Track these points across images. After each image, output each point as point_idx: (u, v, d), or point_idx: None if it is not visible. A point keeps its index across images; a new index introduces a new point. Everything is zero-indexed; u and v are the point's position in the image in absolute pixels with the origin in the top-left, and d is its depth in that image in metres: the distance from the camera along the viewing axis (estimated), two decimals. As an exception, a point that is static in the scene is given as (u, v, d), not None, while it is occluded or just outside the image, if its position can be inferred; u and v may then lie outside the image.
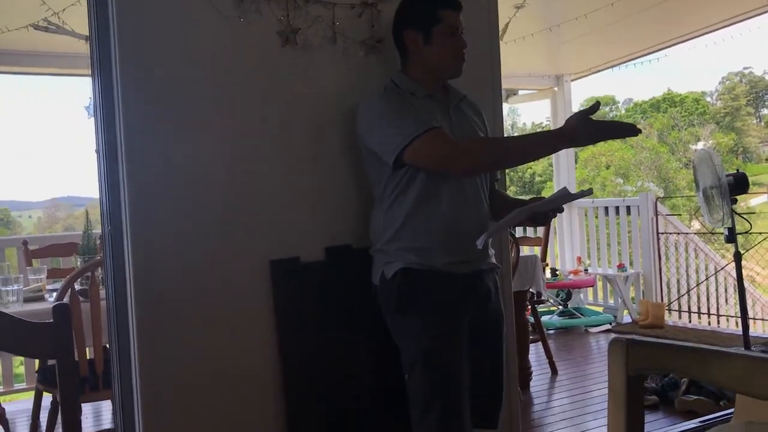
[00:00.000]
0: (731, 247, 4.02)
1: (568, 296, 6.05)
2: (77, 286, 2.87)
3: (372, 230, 2.12)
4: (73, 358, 1.28)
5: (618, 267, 6.19)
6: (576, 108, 7.49)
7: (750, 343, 3.90)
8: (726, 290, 6.24)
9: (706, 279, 6.14)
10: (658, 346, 0.95)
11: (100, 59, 1.98)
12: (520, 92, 7.38)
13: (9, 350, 1.27)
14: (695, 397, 3.59)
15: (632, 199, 6.51)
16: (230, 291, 2.04)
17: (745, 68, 29.78)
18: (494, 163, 2.10)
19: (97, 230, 3.61)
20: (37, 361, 3.87)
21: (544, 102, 7.24)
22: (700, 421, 3.20)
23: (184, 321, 1.97)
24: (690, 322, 6.11)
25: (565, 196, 2.02)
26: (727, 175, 3.94)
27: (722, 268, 6.14)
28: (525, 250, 5.10)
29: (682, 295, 6.18)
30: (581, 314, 5.93)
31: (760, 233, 5.91)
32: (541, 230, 5.11)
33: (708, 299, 6.17)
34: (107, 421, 3.89)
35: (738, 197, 3.99)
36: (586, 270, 6.40)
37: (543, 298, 4.96)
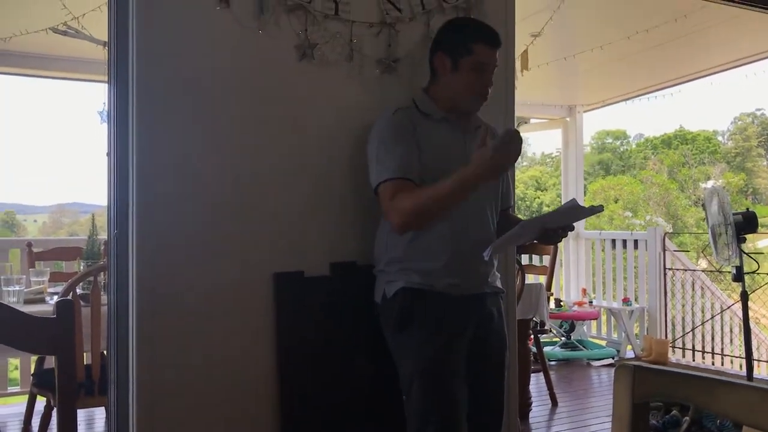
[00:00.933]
0: (738, 286, 3.99)
1: (572, 328, 6.00)
2: (79, 290, 2.86)
3: (376, 250, 2.12)
4: (73, 356, 1.26)
5: (623, 301, 6.14)
6: (587, 139, 7.49)
7: (754, 384, 3.85)
8: (731, 330, 6.18)
9: (712, 318, 6.08)
10: (665, 373, 0.93)
11: (117, 65, 1.99)
12: (532, 121, 7.40)
13: (9, 343, 1.24)
14: (697, 437, 3.53)
15: (640, 233, 6.48)
16: (233, 302, 2.03)
17: (757, 110, 29.77)
18: (420, 216, 1.96)
19: (103, 236, 3.61)
20: (32, 365, 3.85)
21: (555, 132, 7.24)
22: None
23: (184, 329, 1.96)
24: (694, 360, 6.04)
25: (573, 210, 1.99)
26: (735, 214, 3.92)
27: (728, 307, 6.08)
28: (530, 278, 5.06)
29: (687, 333, 6.12)
30: (584, 347, 5.88)
31: (768, 274, 5.86)
32: (546, 259, 5.09)
33: (713, 338, 6.11)
34: (100, 429, 3.86)
35: (747, 237, 3.96)
36: (590, 302, 6.35)
37: (546, 328, 4.92)
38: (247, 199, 2.06)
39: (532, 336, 4.41)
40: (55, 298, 3.01)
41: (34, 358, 3.76)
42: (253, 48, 2.07)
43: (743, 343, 4.05)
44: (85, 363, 2.88)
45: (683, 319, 6.19)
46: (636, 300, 6.24)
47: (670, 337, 6.06)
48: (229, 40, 2.04)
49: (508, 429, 2.34)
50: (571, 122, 6.96)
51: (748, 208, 4.15)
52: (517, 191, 2.53)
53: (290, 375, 2.07)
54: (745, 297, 3.87)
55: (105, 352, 2.75)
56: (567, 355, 5.74)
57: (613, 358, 5.75)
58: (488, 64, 2.05)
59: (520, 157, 1.96)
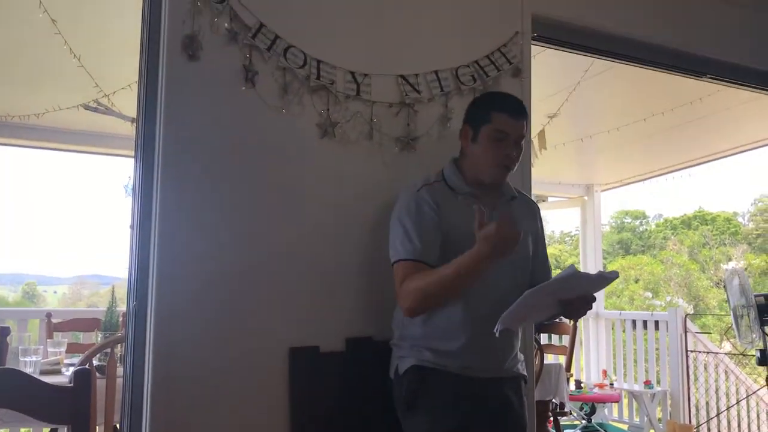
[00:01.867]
0: (763, 370, 3.90)
1: (592, 410, 5.84)
2: (95, 362, 2.86)
3: (393, 323, 2.09)
4: (88, 427, 1.26)
5: (645, 383, 5.99)
6: (606, 219, 7.49)
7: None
8: (758, 416, 5.98)
9: (738, 403, 5.90)
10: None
11: (144, 141, 2.06)
12: (550, 199, 7.42)
13: (24, 411, 1.25)
14: None
15: (661, 313, 6.37)
16: (248, 376, 2.02)
17: (778, 191, 29.65)
18: (424, 301, 1.91)
19: (122, 308, 3.63)
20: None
21: (573, 210, 7.26)
22: None
23: (198, 403, 1.95)
24: (720, 447, 5.83)
25: (578, 278, 1.87)
26: (757, 295, 3.87)
27: (754, 392, 5.91)
28: (549, 358, 4.98)
29: (712, 418, 5.93)
30: (605, 431, 5.70)
31: (794, 358, 5.70)
32: (566, 338, 5.01)
33: (739, 425, 5.91)
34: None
35: (769, 319, 3.89)
36: (611, 384, 6.20)
37: (566, 410, 4.80)
38: (265, 274, 2.08)
39: (551, 418, 4.30)
40: (71, 369, 3.01)
41: (46, 430, 3.72)
42: (276, 126, 2.14)
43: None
44: (97, 436, 2.85)
45: (707, 403, 6.01)
46: (658, 383, 6.09)
47: (694, 422, 5.87)
48: (253, 119, 2.11)
49: None
50: (589, 201, 6.98)
51: (770, 290, 4.08)
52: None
53: (303, 452, 2.03)
54: (770, 381, 3.77)
55: (117, 425, 2.73)
56: (588, 439, 5.57)
57: (635, 444, 5.57)
58: (508, 133, 1.99)
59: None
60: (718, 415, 5.90)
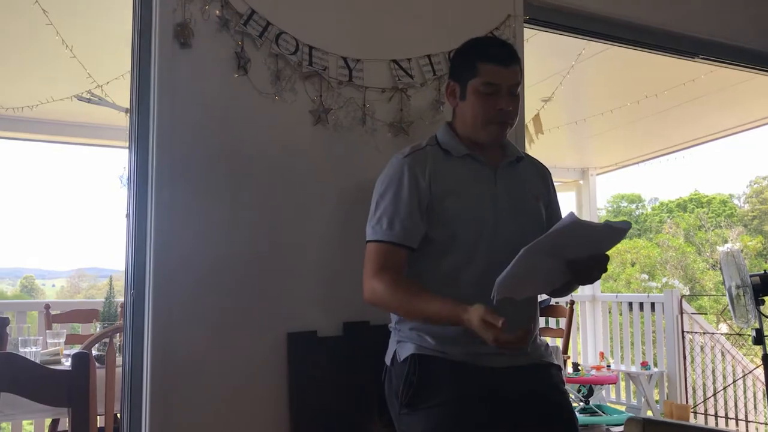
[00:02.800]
0: (759, 350, 3.92)
1: (590, 392, 5.88)
2: (94, 352, 2.87)
3: None
4: (88, 409, 1.27)
5: (642, 365, 6.04)
6: (603, 203, 7.50)
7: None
8: (755, 395, 6.03)
9: (734, 382, 5.94)
10: (674, 426, 0.93)
11: (138, 131, 2.06)
12: (546, 184, 7.43)
13: (25, 395, 1.26)
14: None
15: (657, 295, 6.42)
16: (246, 361, 2.04)
17: (773, 172, 29.70)
18: (388, 309, 1.82)
19: (120, 299, 3.65)
20: (46, 430, 3.83)
21: (569, 194, 7.28)
22: None
23: (197, 389, 1.96)
24: (717, 425, 5.88)
25: (580, 229, 1.57)
26: (752, 275, 3.89)
27: (750, 372, 5.96)
28: (546, 341, 5.01)
29: (708, 398, 5.98)
30: (603, 412, 5.74)
31: (790, 337, 5.74)
32: (563, 321, 5.04)
33: (736, 404, 5.96)
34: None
35: (766, 298, 3.91)
36: (608, 366, 6.24)
37: (563, 392, 4.83)
38: (262, 260, 2.09)
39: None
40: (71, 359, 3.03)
41: (47, 421, 3.74)
42: (269, 113, 2.14)
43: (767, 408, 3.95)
44: (99, 425, 2.87)
45: (704, 383, 6.05)
46: (655, 364, 6.13)
47: (691, 402, 5.92)
48: (246, 106, 2.11)
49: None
50: (584, 185, 7.00)
51: (765, 270, 4.11)
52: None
53: (303, 436, 2.05)
54: (766, 360, 3.80)
55: (118, 414, 2.75)
56: (586, 421, 5.61)
57: (633, 424, 5.61)
58: (499, 83, 1.74)
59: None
60: (714, 394, 5.95)
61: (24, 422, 4.33)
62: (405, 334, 1.79)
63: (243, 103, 2.11)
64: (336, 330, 2.16)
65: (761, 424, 5.89)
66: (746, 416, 5.91)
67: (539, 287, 1.79)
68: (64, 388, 1.25)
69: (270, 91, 2.15)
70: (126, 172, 2.26)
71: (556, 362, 1.82)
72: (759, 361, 4.24)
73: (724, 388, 5.95)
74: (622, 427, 5.74)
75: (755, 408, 6.01)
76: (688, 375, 5.98)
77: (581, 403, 5.84)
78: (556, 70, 4.42)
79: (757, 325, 3.85)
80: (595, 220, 7.04)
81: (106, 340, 2.88)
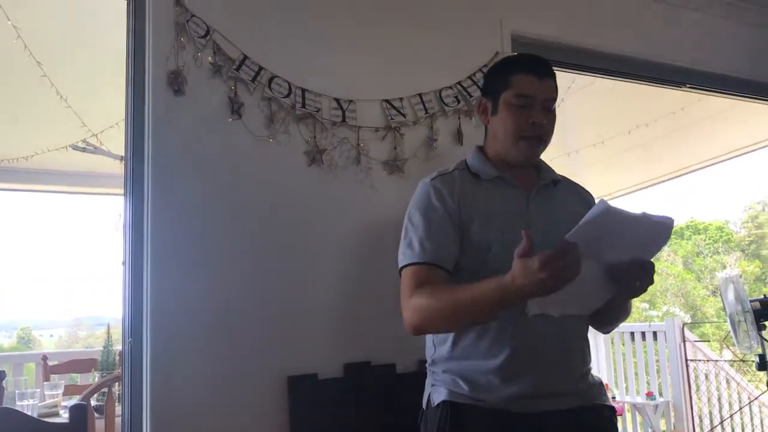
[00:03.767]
0: (764, 375, 3.89)
1: (596, 425, 5.80)
2: (93, 402, 2.84)
3: (426, 340, 1.75)
4: (85, 462, 1.25)
5: (647, 395, 5.97)
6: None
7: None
8: (762, 422, 5.96)
9: (740, 409, 5.88)
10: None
11: (133, 178, 2.07)
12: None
13: (23, 450, 1.24)
14: None
15: (659, 324, 6.38)
16: (247, 408, 2.01)
17: (768, 197, 29.84)
18: (433, 322, 1.55)
19: (118, 347, 3.61)
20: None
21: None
22: None
23: (198, 437, 1.93)
24: (726, 456, 5.80)
25: (611, 218, 1.32)
26: (752, 301, 3.88)
27: (756, 398, 5.90)
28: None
29: (715, 427, 5.91)
30: (610, 445, 5.66)
31: (794, 362, 5.69)
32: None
33: (743, 431, 5.89)
34: None
35: (767, 323, 3.90)
36: (613, 398, 6.18)
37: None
38: (259, 304, 2.08)
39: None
40: (69, 411, 2.99)
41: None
42: (264, 155, 2.15)
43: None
44: (97, 478, 2.82)
45: (710, 412, 5.99)
46: (660, 394, 6.07)
47: (698, 431, 5.84)
48: (241, 150, 2.12)
49: None
50: (580, 216, 7.00)
51: (765, 295, 4.10)
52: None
53: (306, 482, 2.01)
54: (771, 386, 3.76)
55: (118, 465, 2.70)
56: (593, 455, 5.53)
57: (641, 457, 5.53)
58: (533, 95, 1.62)
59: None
60: (721, 423, 5.88)
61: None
62: (438, 377, 1.64)
63: (238, 146, 2.12)
64: (337, 372, 2.14)
65: (770, 451, 5.81)
66: (755, 444, 5.84)
67: (580, 303, 1.51)
68: (62, 442, 1.23)
69: (264, 134, 2.16)
70: (121, 218, 2.26)
71: (609, 404, 1.62)
72: (764, 387, 4.20)
73: (731, 416, 5.88)
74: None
75: (763, 435, 5.94)
76: (693, 404, 5.92)
77: (588, 437, 5.75)
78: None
79: (760, 351, 3.82)
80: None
81: (105, 389, 2.85)
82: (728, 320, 3.97)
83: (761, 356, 3.83)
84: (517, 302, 1.38)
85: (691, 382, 5.91)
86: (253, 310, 2.07)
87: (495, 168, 1.69)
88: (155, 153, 2.01)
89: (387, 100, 2.36)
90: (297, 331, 2.11)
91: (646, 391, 6.02)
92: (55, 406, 3.23)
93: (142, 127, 2.06)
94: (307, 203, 2.19)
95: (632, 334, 6.44)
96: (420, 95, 2.42)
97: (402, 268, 1.61)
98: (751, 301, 3.87)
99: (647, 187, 6.77)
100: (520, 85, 1.63)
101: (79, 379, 4.45)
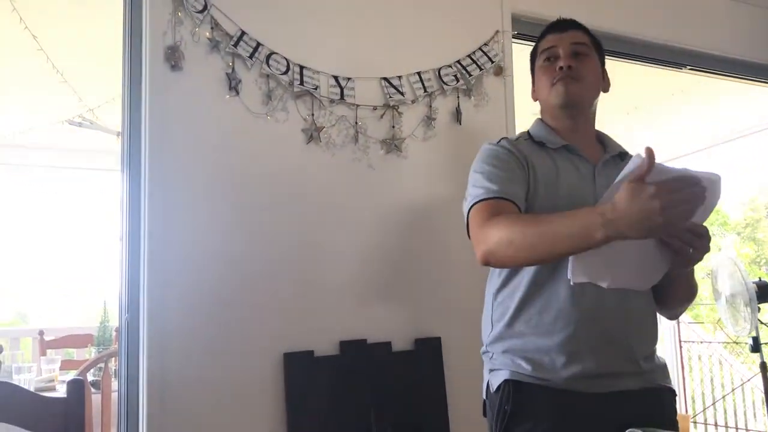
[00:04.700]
0: (757, 357, 3.91)
1: (589, 405, 5.85)
2: (90, 377, 2.85)
3: (482, 321, 1.65)
4: (82, 436, 1.26)
5: (640, 376, 6.01)
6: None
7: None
8: (754, 404, 6.01)
9: (732, 391, 5.93)
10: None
11: (130, 154, 2.06)
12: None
13: (18, 423, 1.25)
14: None
15: (653, 306, 6.40)
16: (242, 383, 2.02)
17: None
18: (510, 247, 1.36)
19: (114, 323, 3.62)
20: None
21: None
22: None
23: (194, 413, 1.94)
24: (717, 436, 5.86)
25: (653, 171, 1.15)
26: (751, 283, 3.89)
27: (748, 380, 5.95)
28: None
29: (708, 408, 5.97)
30: (603, 425, 5.71)
31: (787, 344, 5.74)
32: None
33: (735, 413, 5.95)
34: None
35: (761, 306, 3.91)
36: (607, 378, 6.22)
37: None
38: (256, 280, 2.08)
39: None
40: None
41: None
42: (262, 133, 2.14)
43: (767, 416, 3.94)
44: (94, 452, 2.84)
45: (703, 393, 6.04)
46: (653, 375, 6.11)
47: (690, 412, 5.90)
48: (238, 127, 2.11)
49: None
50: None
51: (760, 278, 4.12)
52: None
53: (302, 458, 2.03)
54: (764, 368, 3.79)
55: (115, 439, 2.72)
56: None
57: (633, 436, 5.57)
58: (556, 46, 1.63)
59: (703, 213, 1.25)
60: (714, 404, 5.94)
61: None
62: (498, 360, 1.54)
63: (235, 123, 2.11)
64: (333, 349, 2.14)
65: (761, 432, 5.87)
66: (746, 425, 5.90)
67: (633, 276, 1.40)
68: (59, 416, 1.23)
69: (262, 111, 2.15)
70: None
71: (671, 386, 1.54)
72: (757, 369, 4.23)
73: (723, 397, 5.94)
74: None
75: (755, 416, 5.99)
76: (687, 385, 5.97)
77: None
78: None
79: (754, 333, 3.84)
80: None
81: (102, 365, 2.86)
82: (722, 302, 3.98)
83: (755, 338, 3.86)
84: (605, 237, 1.20)
85: (685, 363, 5.96)
86: (250, 287, 2.07)
87: (560, 137, 1.62)
88: (152, 129, 2.00)
89: (386, 78, 2.35)
90: (293, 309, 2.11)
91: (640, 372, 6.06)
92: (52, 380, 3.25)
93: (139, 102, 2.04)
94: (304, 181, 2.19)
95: (627, 315, 6.47)
96: (419, 74, 2.40)
97: (470, 210, 1.49)
98: (751, 283, 3.89)
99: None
100: (544, 43, 1.67)
101: (76, 354, 4.47)
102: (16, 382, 2.92)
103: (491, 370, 1.56)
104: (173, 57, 2.04)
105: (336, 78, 2.26)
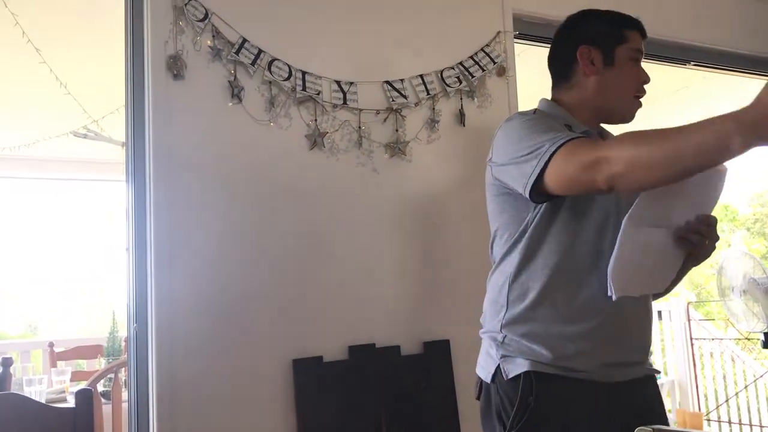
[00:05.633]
0: (769, 353, 3.89)
1: (601, 405, 5.82)
2: (100, 388, 2.85)
3: (488, 301, 1.57)
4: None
5: (652, 374, 5.98)
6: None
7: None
8: (767, 400, 5.97)
9: (745, 387, 5.89)
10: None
11: (134, 163, 2.06)
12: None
13: (28, 435, 1.25)
14: None
15: (664, 303, 6.38)
16: (252, 391, 2.02)
17: (772, 174, 29.67)
18: (639, 167, 1.21)
19: (123, 333, 3.63)
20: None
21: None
22: None
23: (204, 420, 1.94)
24: (731, 433, 5.82)
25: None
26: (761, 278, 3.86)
27: (761, 376, 5.91)
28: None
29: (721, 405, 5.93)
30: (615, 424, 5.68)
31: (799, 340, 5.69)
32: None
33: (749, 409, 5.90)
34: None
35: (772, 301, 3.88)
36: (618, 377, 6.19)
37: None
38: (263, 287, 2.08)
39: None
40: (76, 396, 3.01)
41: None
42: (265, 140, 2.14)
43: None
44: (106, 463, 2.84)
45: (716, 390, 6.00)
46: (665, 373, 6.09)
47: (703, 409, 5.86)
48: (242, 134, 2.11)
49: None
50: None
51: (770, 273, 4.08)
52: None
53: (313, 464, 2.02)
54: (776, 364, 3.76)
55: (126, 450, 2.72)
56: (599, 434, 5.55)
57: (647, 435, 5.54)
58: (643, 54, 1.59)
59: None
60: (727, 401, 5.90)
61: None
62: (514, 346, 1.46)
63: (239, 131, 2.11)
64: (342, 354, 2.14)
65: (776, 428, 5.82)
66: (760, 421, 5.86)
67: (656, 277, 1.45)
68: (68, 425, 1.24)
69: (265, 118, 2.15)
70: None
71: (655, 369, 1.60)
72: (769, 365, 4.20)
73: (736, 394, 5.90)
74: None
75: (768, 413, 5.95)
76: (699, 382, 5.94)
77: (593, 416, 5.77)
78: (547, 86, 4.43)
79: (766, 329, 3.82)
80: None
81: (112, 375, 2.86)
82: (733, 296, 3.95)
83: (767, 334, 3.83)
84: (743, 145, 1.09)
85: (697, 360, 5.93)
86: (257, 294, 2.07)
87: (580, 122, 1.56)
88: (156, 138, 2.00)
89: (388, 82, 2.35)
90: (301, 314, 2.11)
91: (652, 370, 6.03)
92: (63, 391, 3.25)
93: (143, 112, 2.05)
94: (309, 187, 2.19)
95: (637, 313, 6.44)
96: (421, 76, 2.40)
97: (554, 153, 1.31)
98: (760, 278, 3.86)
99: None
100: (635, 40, 1.57)
101: (86, 365, 4.48)
102: (27, 394, 2.94)
103: (504, 356, 1.46)
104: (175, 66, 2.04)
105: (338, 83, 2.26)
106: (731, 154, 1.12)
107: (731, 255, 4.16)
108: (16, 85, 4.12)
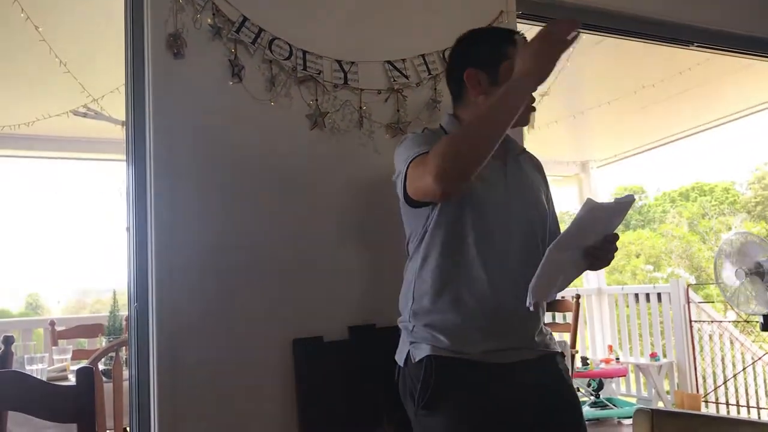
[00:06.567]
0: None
1: (600, 386, 5.86)
2: (101, 366, 2.87)
3: (401, 294, 1.82)
4: (94, 424, 1.27)
5: (651, 356, 6.02)
6: (606, 196, 7.45)
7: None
8: (765, 382, 6.00)
9: (743, 369, 5.92)
10: (683, 415, 0.92)
11: (135, 143, 2.05)
12: (546, 178, 7.42)
13: (30, 412, 1.26)
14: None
15: (663, 286, 6.40)
16: (252, 370, 2.03)
17: (775, 158, 29.64)
18: (459, 151, 1.48)
19: (124, 312, 3.64)
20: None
21: (570, 189, 7.26)
22: None
23: (205, 399, 1.96)
24: (728, 413, 5.85)
25: (598, 212, 1.56)
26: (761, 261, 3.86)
27: (759, 358, 5.93)
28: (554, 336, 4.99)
29: (719, 386, 5.96)
30: (614, 405, 5.73)
31: (798, 322, 5.71)
32: (569, 316, 5.03)
33: (747, 391, 5.94)
34: None
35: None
36: (617, 359, 6.23)
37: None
38: (264, 267, 2.08)
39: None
40: (78, 375, 3.02)
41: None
42: (266, 119, 2.13)
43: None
44: (107, 440, 2.86)
45: (714, 372, 6.04)
46: (664, 355, 6.12)
47: (701, 391, 5.90)
48: (242, 113, 2.10)
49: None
50: (585, 179, 6.99)
51: (770, 256, 4.08)
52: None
53: (313, 443, 2.04)
54: (775, 346, 3.78)
55: (127, 428, 2.74)
56: (597, 415, 5.59)
57: (644, 416, 5.58)
58: None
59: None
60: (725, 383, 5.93)
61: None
62: (419, 334, 1.70)
63: (239, 110, 2.10)
64: (342, 334, 2.15)
65: (773, 410, 5.86)
66: (758, 403, 5.89)
67: (562, 284, 1.68)
68: (70, 404, 1.24)
69: (265, 97, 2.14)
70: (124, 184, 2.25)
71: (560, 350, 1.82)
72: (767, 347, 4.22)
73: (734, 376, 5.93)
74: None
75: (766, 395, 5.99)
76: (697, 364, 5.97)
77: (592, 397, 5.82)
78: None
79: (765, 311, 3.83)
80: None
81: (113, 354, 2.88)
82: (733, 279, 3.96)
83: (765, 317, 3.84)
84: (523, 89, 1.51)
85: (695, 342, 5.95)
86: (258, 273, 2.07)
87: None
88: (156, 117, 2.00)
89: (389, 62, 2.33)
90: (302, 294, 2.12)
91: (651, 352, 6.07)
92: (64, 370, 3.27)
93: (143, 91, 2.03)
94: (310, 166, 2.18)
95: (636, 295, 6.47)
96: (423, 56, 2.39)
97: (406, 171, 1.62)
98: (763, 261, 3.87)
99: (654, 148, 6.73)
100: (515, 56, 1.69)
101: (87, 344, 4.50)
102: (28, 372, 2.95)
103: (412, 342, 1.71)
104: (175, 44, 2.03)
105: (339, 62, 2.25)
106: (529, 92, 1.56)
107: (745, 234, 4.14)
108: (15, 63, 4.10)
